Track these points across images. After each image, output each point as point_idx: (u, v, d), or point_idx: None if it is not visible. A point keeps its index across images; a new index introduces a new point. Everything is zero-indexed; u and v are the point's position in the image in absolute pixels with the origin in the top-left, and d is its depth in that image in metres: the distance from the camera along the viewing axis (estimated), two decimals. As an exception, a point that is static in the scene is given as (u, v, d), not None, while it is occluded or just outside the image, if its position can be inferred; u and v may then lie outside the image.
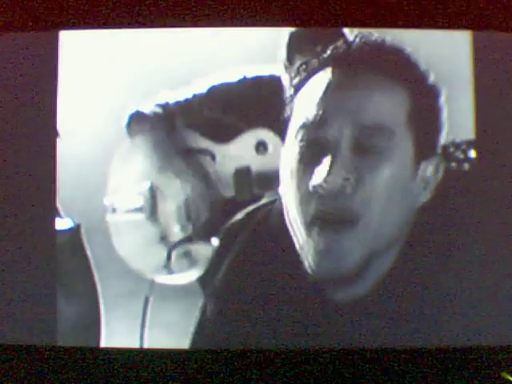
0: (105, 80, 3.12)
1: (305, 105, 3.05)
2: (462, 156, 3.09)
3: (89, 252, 3.12)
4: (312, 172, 2.99)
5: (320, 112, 3.02)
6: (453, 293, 3.09)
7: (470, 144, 3.09)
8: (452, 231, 3.09)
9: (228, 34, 3.13)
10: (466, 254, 3.09)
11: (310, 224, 3.01)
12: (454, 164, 3.08)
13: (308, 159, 3.01)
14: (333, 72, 3.05)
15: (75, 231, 3.12)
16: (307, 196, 3.01)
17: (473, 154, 3.10)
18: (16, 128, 3.15)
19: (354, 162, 2.97)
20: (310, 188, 2.99)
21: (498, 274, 3.09)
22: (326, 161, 2.97)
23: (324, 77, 3.05)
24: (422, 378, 3.08)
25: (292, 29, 3.11)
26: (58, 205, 3.12)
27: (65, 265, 3.13)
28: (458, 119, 3.08)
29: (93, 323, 3.12)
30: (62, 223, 3.13)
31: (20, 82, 3.15)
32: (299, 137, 3.03)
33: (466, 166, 3.10)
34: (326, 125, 3.01)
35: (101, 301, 3.11)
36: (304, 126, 3.03)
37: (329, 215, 2.98)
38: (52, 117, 3.13)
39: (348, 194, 2.97)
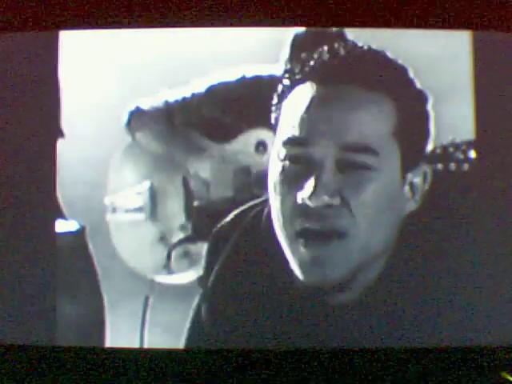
0: (104, 80, 3.13)
1: (289, 120, 3.00)
2: (461, 156, 3.09)
3: (92, 252, 3.13)
4: (296, 190, 2.94)
5: (304, 130, 2.96)
6: (452, 293, 3.09)
7: (469, 144, 3.09)
8: (451, 231, 3.09)
9: (227, 33, 3.13)
10: (466, 253, 3.09)
11: (295, 239, 2.98)
12: (453, 164, 3.08)
13: (292, 177, 2.96)
14: (316, 86, 2.99)
15: (80, 233, 3.12)
16: (291, 213, 2.96)
17: (473, 154, 3.09)
18: (16, 128, 3.15)
19: (338, 181, 2.93)
20: (295, 206, 2.96)
21: (497, 274, 3.09)
22: (311, 180, 2.92)
23: (307, 91, 2.99)
24: (422, 378, 3.08)
25: (292, 28, 3.12)
26: (61, 205, 3.12)
27: (68, 266, 3.13)
28: (457, 119, 3.08)
29: (95, 323, 3.13)
30: (65, 225, 3.13)
31: (20, 82, 3.15)
32: (283, 153, 2.98)
33: (466, 166, 3.09)
34: (309, 143, 2.95)
35: (104, 301, 3.11)
36: (288, 143, 2.98)
37: (313, 232, 2.96)
38: (52, 117, 3.13)
39: (333, 212, 2.94)
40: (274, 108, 3.03)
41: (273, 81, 3.06)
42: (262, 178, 3.06)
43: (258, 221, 3.07)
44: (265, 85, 3.07)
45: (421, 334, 3.08)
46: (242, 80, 3.09)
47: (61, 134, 3.14)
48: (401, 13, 3.17)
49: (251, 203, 3.08)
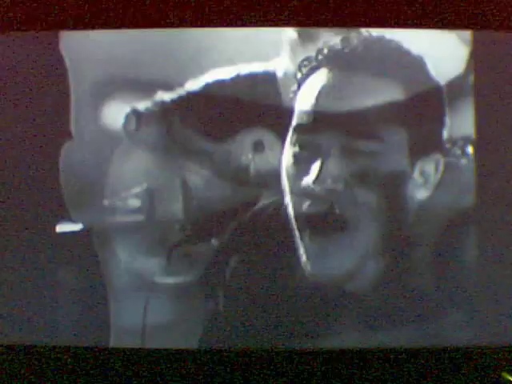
0: (103, 80, 3.12)
1: (301, 105, 3.05)
2: (459, 152, 3.09)
3: (93, 253, 3.13)
4: (303, 176, 2.99)
5: (312, 116, 3.02)
6: (452, 292, 3.09)
7: (467, 140, 3.09)
8: (451, 230, 3.09)
9: (226, 33, 3.13)
10: (466, 253, 3.09)
11: (302, 227, 3.01)
12: (451, 160, 3.09)
13: (299, 163, 3.01)
14: (327, 73, 3.03)
15: (82, 233, 3.12)
16: (298, 200, 3.01)
17: (470, 149, 3.09)
18: (15, 129, 3.15)
19: (342, 166, 2.96)
20: (300, 192, 2.99)
21: (498, 274, 3.09)
22: (316, 165, 2.96)
23: (319, 78, 3.04)
24: (422, 378, 3.08)
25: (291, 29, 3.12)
26: (64, 206, 3.12)
27: (70, 266, 3.13)
28: (457, 119, 3.08)
29: (95, 323, 3.13)
30: (68, 225, 3.13)
31: (20, 82, 3.15)
32: (293, 139, 3.03)
33: (464, 162, 3.10)
34: (316, 129, 3.00)
35: (104, 301, 3.12)
36: (297, 128, 3.03)
37: (318, 220, 2.98)
38: (52, 117, 3.13)
39: (336, 197, 2.96)
40: (291, 95, 3.05)
41: (270, 79, 3.07)
42: (260, 177, 3.07)
43: (267, 221, 3.07)
44: (262, 83, 3.08)
45: (421, 334, 3.08)
46: (239, 79, 3.10)
47: (61, 134, 3.14)
48: (401, 13, 3.17)
49: (259, 205, 3.09)
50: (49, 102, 3.13)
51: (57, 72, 3.14)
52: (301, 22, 3.14)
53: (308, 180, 2.98)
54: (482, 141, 3.10)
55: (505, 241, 3.10)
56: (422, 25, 3.14)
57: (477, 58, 3.11)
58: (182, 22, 3.15)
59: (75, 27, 3.16)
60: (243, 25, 3.12)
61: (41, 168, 3.13)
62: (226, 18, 3.14)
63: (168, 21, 3.15)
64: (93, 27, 3.16)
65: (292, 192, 3.02)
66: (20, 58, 3.16)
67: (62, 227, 3.13)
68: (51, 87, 3.13)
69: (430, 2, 3.18)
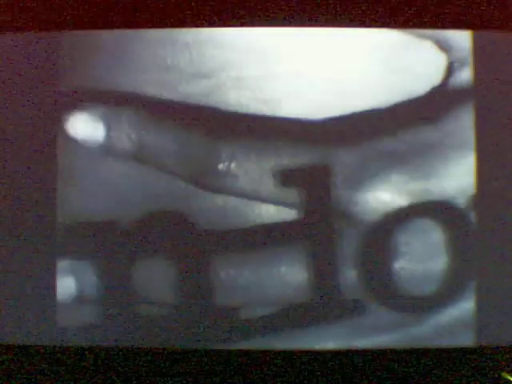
0: (103, 80, 3.13)
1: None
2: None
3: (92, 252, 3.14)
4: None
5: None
6: (453, 292, 3.09)
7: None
8: (452, 229, 3.09)
9: (226, 33, 3.14)
10: (466, 252, 3.09)
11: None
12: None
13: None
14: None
15: (80, 233, 3.13)
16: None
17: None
18: (16, 129, 3.15)
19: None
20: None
21: (498, 274, 3.09)
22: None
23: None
24: (422, 378, 3.09)
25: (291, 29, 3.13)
26: (62, 205, 3.13)
27: (69, 266, 3.13)
28: (457, 119, 3.09)
29: (95, 323, 3.13)
30: (67, 225, 3.13)
31: (20, 82, 3.15)
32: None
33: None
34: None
35: (103, 301, 3.12)
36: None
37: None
38: (53, 117, 3.14)
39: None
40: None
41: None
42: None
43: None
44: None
45: (420, 334, 3.09)
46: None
47: (62, 133, 3.14)
48: (401, 13, 3.17)
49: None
50: (49, 102, 3.14)
51: (56, 72, 3.14)
52: (301, 22, 3.14)
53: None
54: (481, 141, 3.10)
55: (505, 240, 3.10)
56: (422, 25, 3.14)
57: (477, 58, 3.12)
58: (183, 23, 3.15)
59: (75, 27, 3.16)
60: (242, 24, 3.13)
61: (41, 166, 3.13)
62: (226, 18, 3.15)
63: (168, 21, 3.16)
64: (93, 27, 3.16)
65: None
66: (20, 58, 3.16)
67: (63, 226, 3.13)
68: (51, 87, 3.14)
69: (430, 1, 3.18)
